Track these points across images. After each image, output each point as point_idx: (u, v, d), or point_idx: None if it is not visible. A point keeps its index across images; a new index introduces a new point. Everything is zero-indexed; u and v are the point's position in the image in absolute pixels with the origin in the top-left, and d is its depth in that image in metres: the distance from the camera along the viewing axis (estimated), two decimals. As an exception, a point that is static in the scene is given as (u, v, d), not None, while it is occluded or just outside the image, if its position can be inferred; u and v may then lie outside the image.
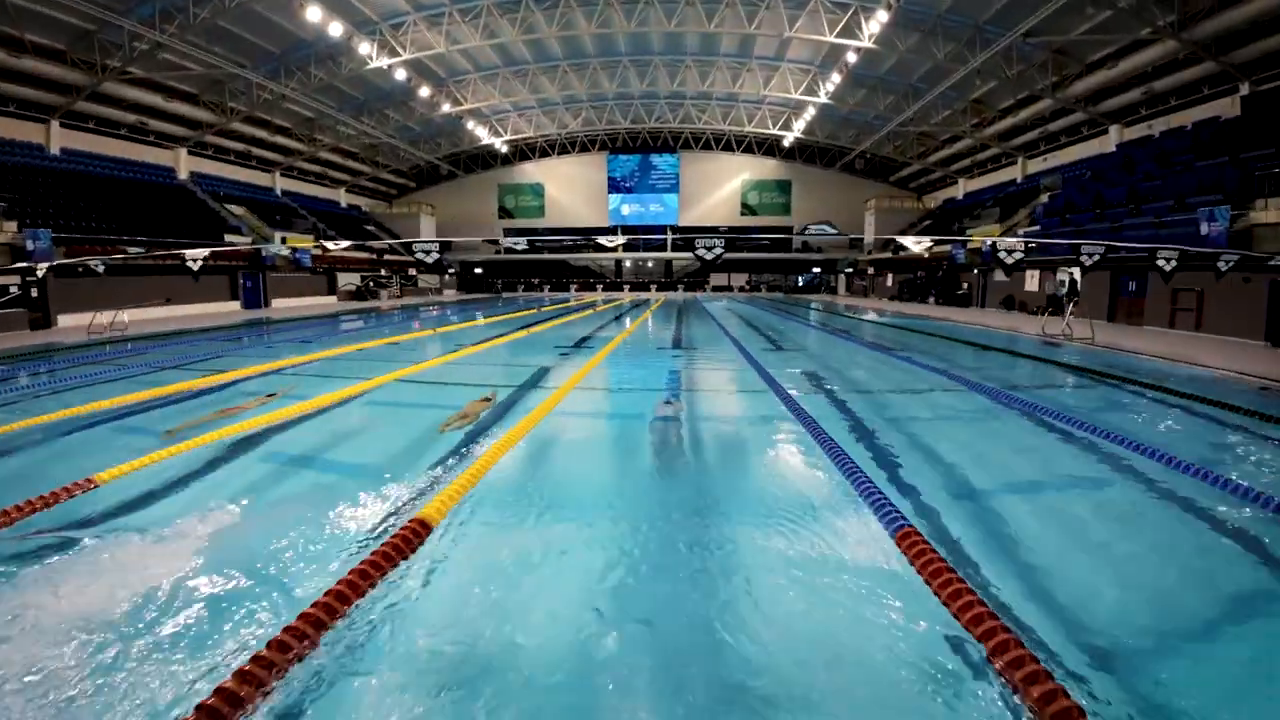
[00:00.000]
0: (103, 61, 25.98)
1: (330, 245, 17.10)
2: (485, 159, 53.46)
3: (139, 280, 25.03)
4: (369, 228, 47.44)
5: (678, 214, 52.88)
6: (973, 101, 35.26)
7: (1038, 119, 34.37)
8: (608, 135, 51.61)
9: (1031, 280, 26.62)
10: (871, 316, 26.24)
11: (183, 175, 34.68)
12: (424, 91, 35.10)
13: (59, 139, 28.52)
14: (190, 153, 35.36)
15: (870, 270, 45.66)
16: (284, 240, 34.27)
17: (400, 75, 32.36)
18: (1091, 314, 18.55)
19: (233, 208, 34.99)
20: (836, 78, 33.06)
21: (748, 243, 54.02)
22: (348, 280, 37.23)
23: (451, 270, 52.03)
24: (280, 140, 38.96)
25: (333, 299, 35.73)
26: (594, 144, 52.44)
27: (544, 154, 53.38)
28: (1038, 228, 29.31)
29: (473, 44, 30.52)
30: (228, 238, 30.83)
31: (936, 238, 30.12)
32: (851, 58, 30.17)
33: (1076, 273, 22.60)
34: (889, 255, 42.79)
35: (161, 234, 27.52)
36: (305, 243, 35.42)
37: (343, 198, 48.86)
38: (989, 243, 23.79)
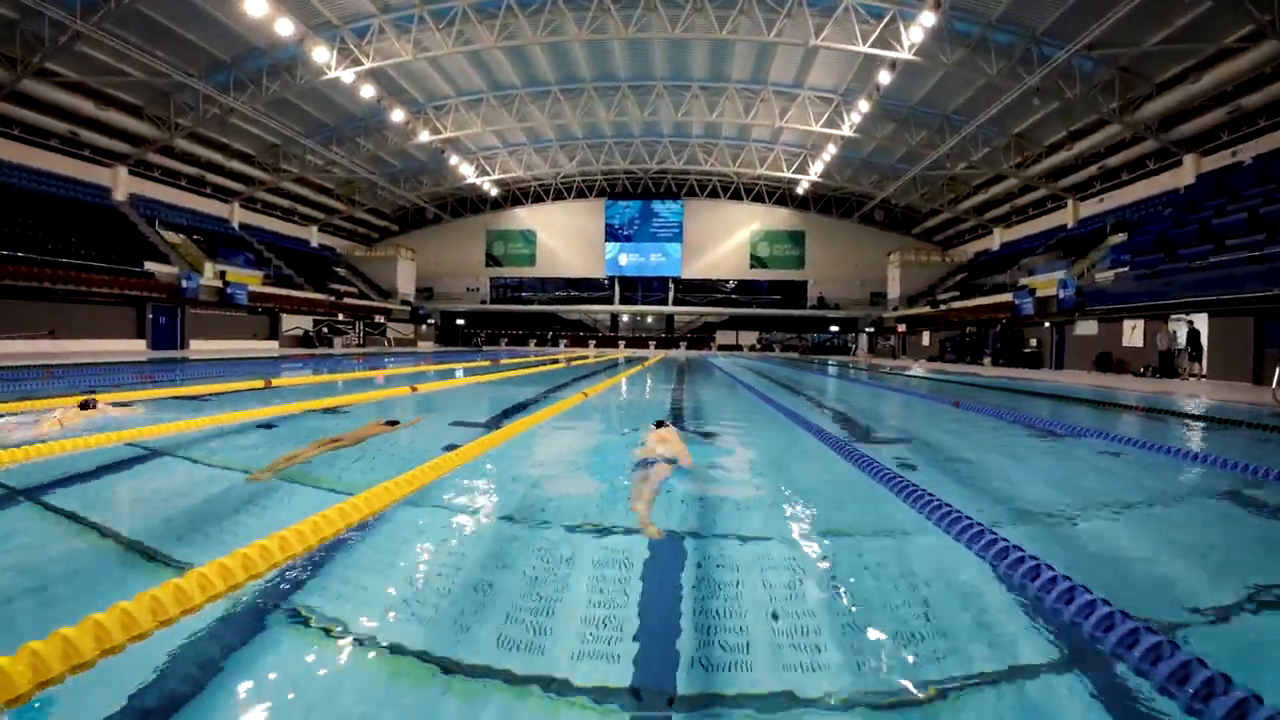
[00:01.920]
0: (23, 55, 21.82)
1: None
2: (474, 203, 49.54)
3: (23, 306, 20.05)
4: (339, 270, 42.89)
5: (681, 265, 48.33)
6: (1015, 136, 31.04)
7: (1092, 154, 29.98)
8: (606, 180, 47.74)
9: (1132, 333, 21.23)
10: (957, 379, 20.75)
11: (120, 196, 30.28)
12: (397, 115, 30.97)
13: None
14: (132, 172, 31.10)
15: (901, 328, 40.48)
16: (223, 274, 29.49)
17: (368, 93, 28.29)
18: (1227, 372, 13.17)
19: (169, 235, 30.34)
20: (864, 106, 28.87)
21: (757, 299, 49.32)
22: (296, 324, 32.17)
23: (430, 320, 47.17)
24: (239, 167, 34.83)
25: (273, 344, 30.57)
26: (591, 189, 48.52)
27: (537, 199, 49.41)
28: (1112, 274, 24.29)
29: (444, 51, 26.41)
30: (149, 266, 25.98)
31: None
32: (884, 78, 25.97)
33: (1198, 321, 17.31)
34: (925, 310, 37.76)
35: (69, 256, 22.64)
36: (249, 279, 30.75)
37: (314, 237, 44.52)
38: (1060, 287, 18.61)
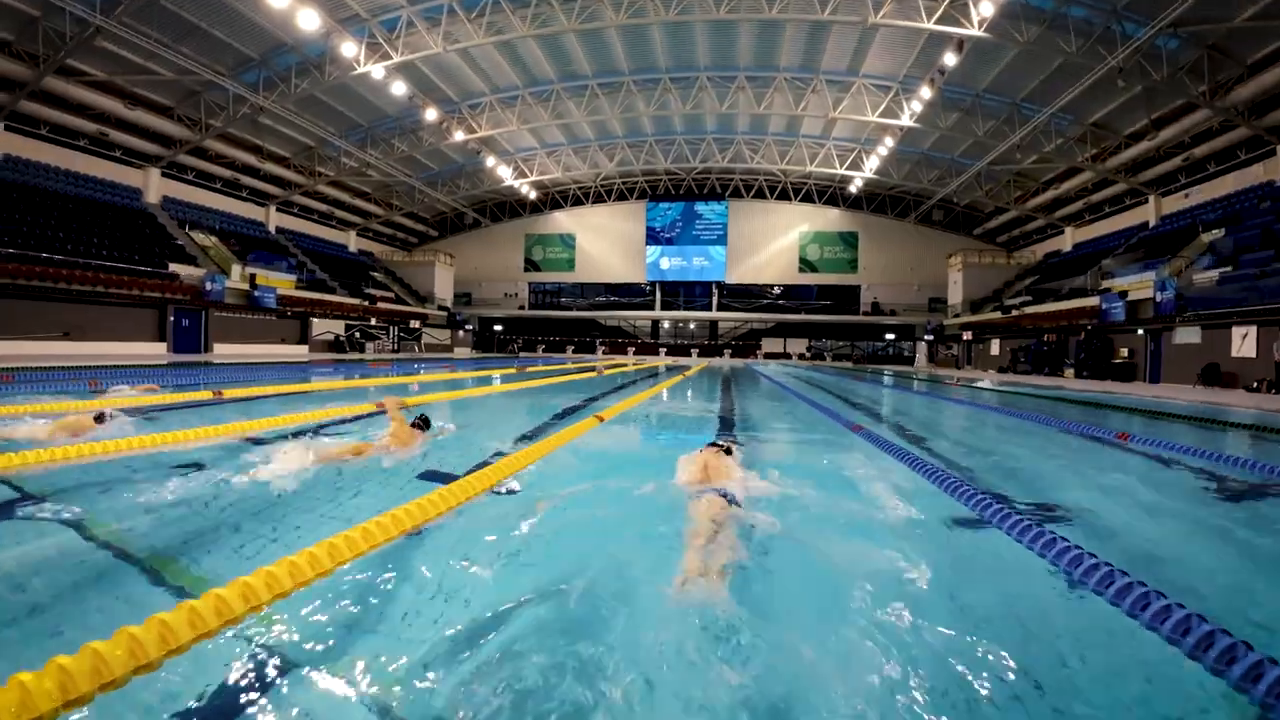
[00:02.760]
0: (45, 53, 21.38)
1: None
2: (513, 207, 48.50)
3: (37, 306, 19.41)
4: (375, 274, 42.22)
5: (725, 269, 46.13)
6: (1091, 126, 28.04)
7: (1175, 144, 26.86)
8: (647, 182, 46.02)
9: (1243, 341, 18.26)
10: (1068, 396, 18.16)
11: (151, 198, 30.06)
12: (431, 115, 29.89)
13: (1, 144, 23.91)
14: (165, 175, 30.92)
15: (966, 336, 37.41)
16: (252, 277, 28.79)
17: (399, 90, 27.26)
18: None
19: (200, 237, 29.87)
20: (926, 93, 26.40)
21: (806, 305, 46.74)
22: (326, 328, 31.29)
23: (468, 326, 46.17)
24: (274, 170, 34.40)
25: (303, 349, 29.70)
26: (632, 191, 46.85)
27: (577, 201, 48.01)
28: (1215, 275, 21.20)
29: (475, 42, 25.11)
30: (174, 268, 25.34)
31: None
32: (950, 60, 23.51)
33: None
34: (994, 317, 34.73)
35: (90, 257, 22.07)
36: (281, 283, 30.02)
37: (352, 241, 44.09)
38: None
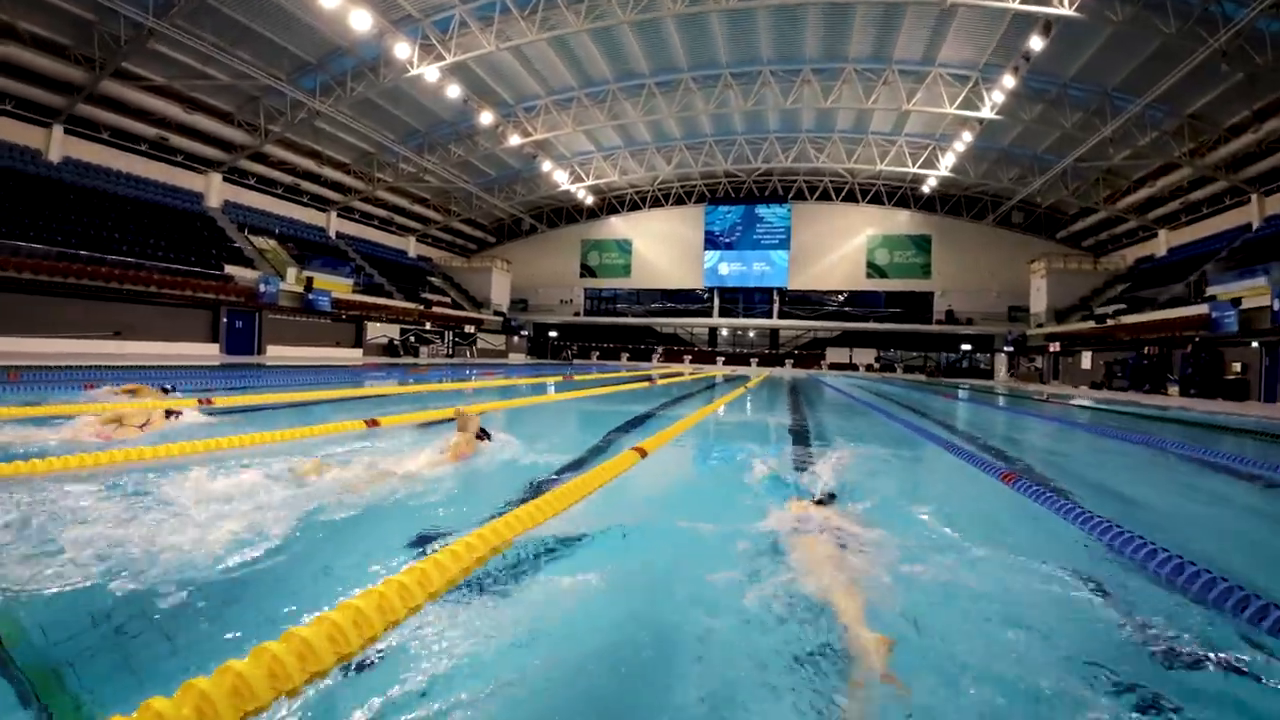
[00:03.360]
0: (100, 56, 21.87)
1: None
2: (570, 213, 47.98)
3: (90, 305, 19.65)
4: (433, 279, 42.34)
5: (787, 275, 44.18)
6: (1188, 118, 25.18)
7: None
8: (706, 185, 44.65)
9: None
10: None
11: (213, 202, 30.72)
12: (486, 118, 29.53)
13: (61, 146, 24.61)
14: (226, 179, 31.57)
15: (1054, 347, 34.38)
16: (309, 281, 28.92)
17: (454, 93, 26.99)
18: None
19: (258, 240, 30.29)
20: (1008, 81, 24.25)
21: (874, 312, 44.27)
22: (381, 332, 31.19)
23: (524, 332, 45.78)
24: (333, 175, 34.85)
25: (357, 352, 29.63)
26: (690, 195, 45.57)
27: (634, 206, 47.06)
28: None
29: (529, 39, 24.45)
30: (229, 270, 25.58)
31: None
32: (1035, 44, 21.41)
33: None
34: (1085, 327, 31.79)
35: (147, 258, 22.40)
36: (337, 286, 30.09)
37: (411, 247, 44.42)
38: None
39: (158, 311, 22.20)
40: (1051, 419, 12.69)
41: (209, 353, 23.13)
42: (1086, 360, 31.22)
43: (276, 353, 25.35)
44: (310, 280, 29.06)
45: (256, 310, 25.07)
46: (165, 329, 22.29)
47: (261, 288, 25.13)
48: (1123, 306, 30.35)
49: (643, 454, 4.98)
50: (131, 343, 20.28)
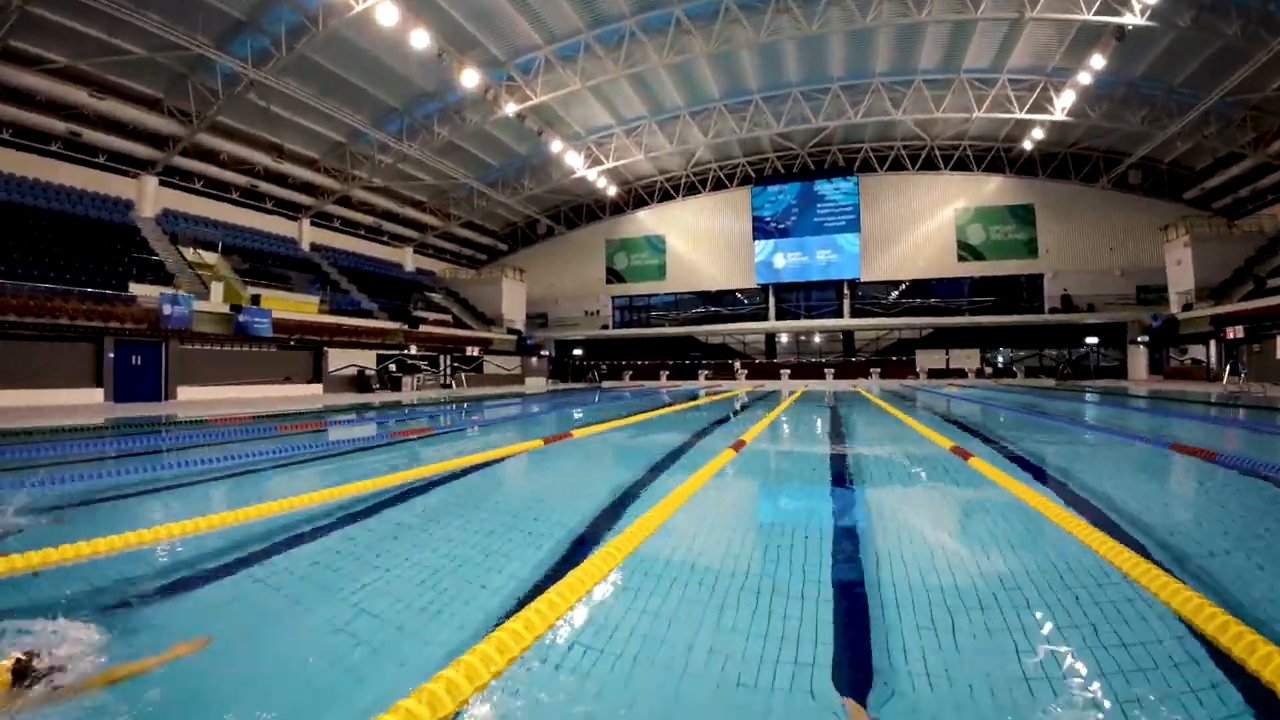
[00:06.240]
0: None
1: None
2: (591, 209, 41.04)
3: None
4: (433, 295, 35.68)
5: (859, 263, 36.11)
6: None
7: None
8: (750, 164, 37.13)
9: None
10: None
11: (146, 211, 24.88)
12: (470, 79, 22.70)
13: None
14: (165, 183, 25.67)
15: (1232, 333, 25.66)
16: (256, 299, 22.39)
17: (420, 42, 20.24)
18: None
19: (194, 253, 23.94)
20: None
21: (975, 303, 35.89)
22: (349, 360, 24.38)
23: (543, 352, 38.73)
24: (299, 173, 28.61)
25: (316, 388, 22.82)
26: (732, 179, 38.10)
27: (665, 197, 39.78)
28: None
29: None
30: (136, 288, 19.09)
31: None
32: None
33: None
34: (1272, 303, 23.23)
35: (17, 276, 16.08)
36: (298, 306, 23.52)
37: (408, 259, 38.00)
38: None
39: (15, 348, 15.74)
40: None
41: (88, 401, 16.49)
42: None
43: (191, 396, 18.63)
44: (257, 298, 22.53)
45: (162, 340, 18.41)
46: (25, 372, 15.76)
47: (167, 309, 18.52)
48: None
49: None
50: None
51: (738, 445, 6.93)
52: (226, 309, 20.34)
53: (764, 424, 10.34)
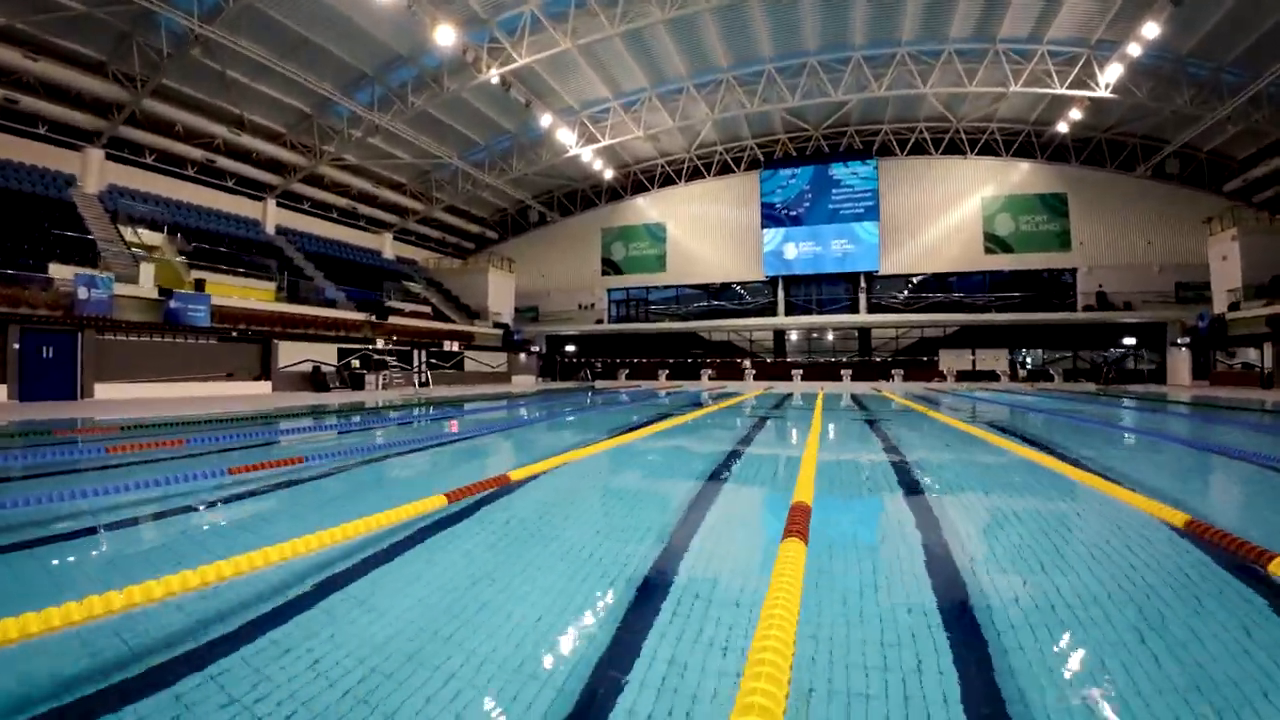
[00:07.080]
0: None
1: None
2: (586, 195, 38.26)
3: None
4: (413, 285, 32.90)
5: (878, 254, 33.25)
6: None
7: None
8: (759, 146, 34.29)
9: None
10: None
11: (90, 187, 22.33)
12: (446, 37, 19.88)
13: None
14: (111, 157, 23.08)
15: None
16: (200, 284, 19.66)
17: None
18: None
19: (132, 232, 21.17)
20: None
21: (1002, 299, 33.06)
22: (303, 355, 21.59)
23: (533, 348, 35.96)
24: (263, 147, 25.85)
25: (264, 386, 20.05)
26: (739, 162, 35.27)
27: (666, 181, 36.97)
28: None
29: None
30: (54, 269, 16.35)
31: None
32: None
33: None
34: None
35: None
36: (250, 292, 20.78)
37: (388, 247, 35.21)
38: None
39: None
40: None
41: (-24, 401, 13.76)
42: None
43: (111, 394, 15.90)
44: (201, 282, 19.79)
45: (76, 329, 15.65)
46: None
47: (82, 292, 15.76)
48: None
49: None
50: None
51: (797, 526, 3.65)
52: (155, 294, 17.56)
53: (810, 458, 6.96)
